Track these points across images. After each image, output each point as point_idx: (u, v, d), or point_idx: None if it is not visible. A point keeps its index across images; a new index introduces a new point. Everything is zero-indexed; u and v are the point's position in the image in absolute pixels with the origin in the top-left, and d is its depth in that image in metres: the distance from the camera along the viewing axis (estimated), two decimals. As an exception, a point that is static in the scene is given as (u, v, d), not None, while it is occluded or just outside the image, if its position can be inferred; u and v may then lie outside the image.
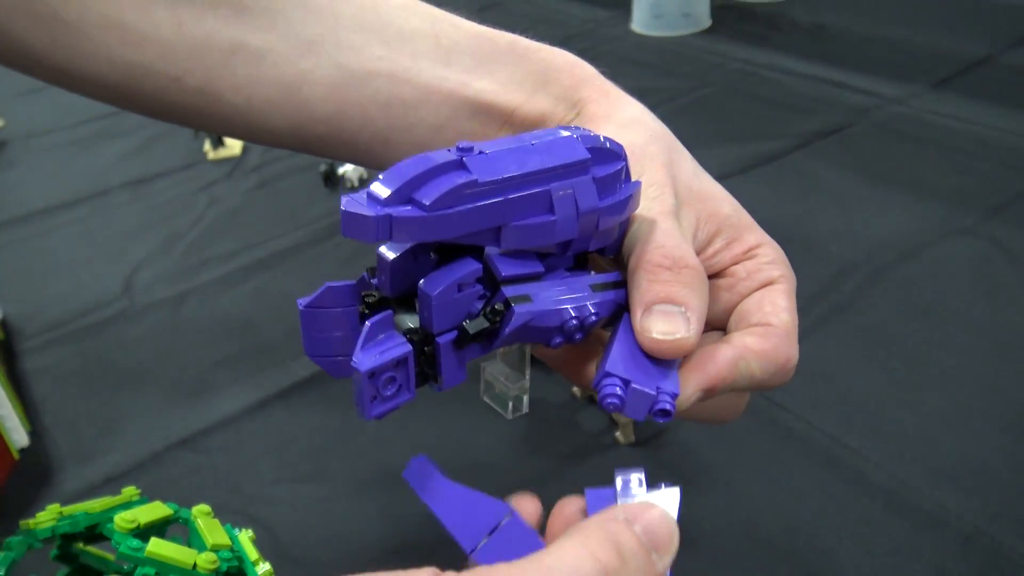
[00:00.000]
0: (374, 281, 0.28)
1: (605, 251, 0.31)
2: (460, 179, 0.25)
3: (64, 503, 0.41)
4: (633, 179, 0.31)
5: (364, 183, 1.00)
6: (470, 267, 0.27)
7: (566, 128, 0.29)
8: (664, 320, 0.27)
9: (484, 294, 0.28)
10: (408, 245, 0.27)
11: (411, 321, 0.27)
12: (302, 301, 0.27)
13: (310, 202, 0.99)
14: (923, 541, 0.51)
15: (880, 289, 0.74)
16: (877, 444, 0.58)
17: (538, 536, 0.26)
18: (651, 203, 0.31)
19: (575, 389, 0.63)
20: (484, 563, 0.23)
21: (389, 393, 0.26)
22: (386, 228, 0.25)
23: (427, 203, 0.25)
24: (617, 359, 0.28)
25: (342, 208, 0.25)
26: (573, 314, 0.28)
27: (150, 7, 0.35)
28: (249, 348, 0.74)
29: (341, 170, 1.00)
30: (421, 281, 0.26)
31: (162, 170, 1.10)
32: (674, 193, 0.32)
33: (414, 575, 0.22)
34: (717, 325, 0.33)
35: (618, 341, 0.28)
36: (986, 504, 0.52)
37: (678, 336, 0.27)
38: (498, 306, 0.27)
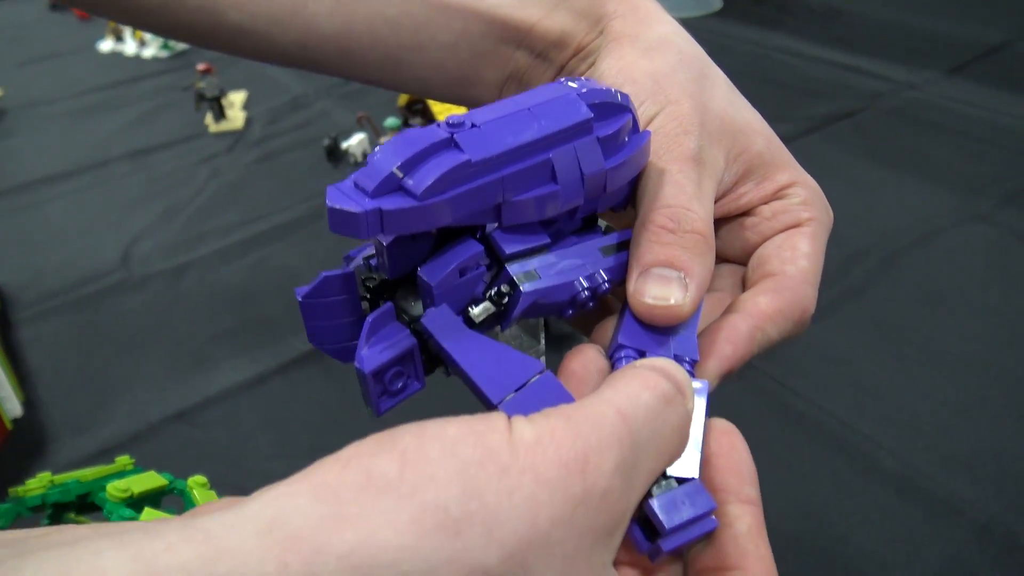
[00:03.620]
0: (373, 263, 0.26)
1: (615, 207, 0.30)
2: (452, 161, 0.23)
3: (57, 473, 0.40)
4: (655, 112, 0.29)
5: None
6: (471, 249, 0.25)
7: (572, 80, 0.27)
8: (660, 284, 0.26)
9: (488, 273, 0.26)
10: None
11: (414, 308, 0.26)
12: (300, 291, 0.25)
13: (312, 176, 0.97)
14: (937, 529, 0.49)
15: (893, 275, 0.72)
16: (890, 431, 0.56)
17: (571, 397, 0.24)
18: (669, 145, 0.29)
19: None
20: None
21: (397, 387, 0.25)
22: (376, 223, 0.23)
23: (418, 192, 0.23)
24: (631, 328, 0.26)
25: (328, 204, 0.23)
26: (585, 284, 0.27)
27: None
28: (248, 321, 0.73)
29: (345, 144, 0.99)
30: (420, 268, 0.25)
31: (163, 142, 1.09)
32: (700, 130, 0.29)
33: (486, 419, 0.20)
34: (739, 262, 0.32)
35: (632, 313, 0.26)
36: (1001, 493, 0.51)
37: (672, 302, 0.26)
38: (504, 288, 0.26)
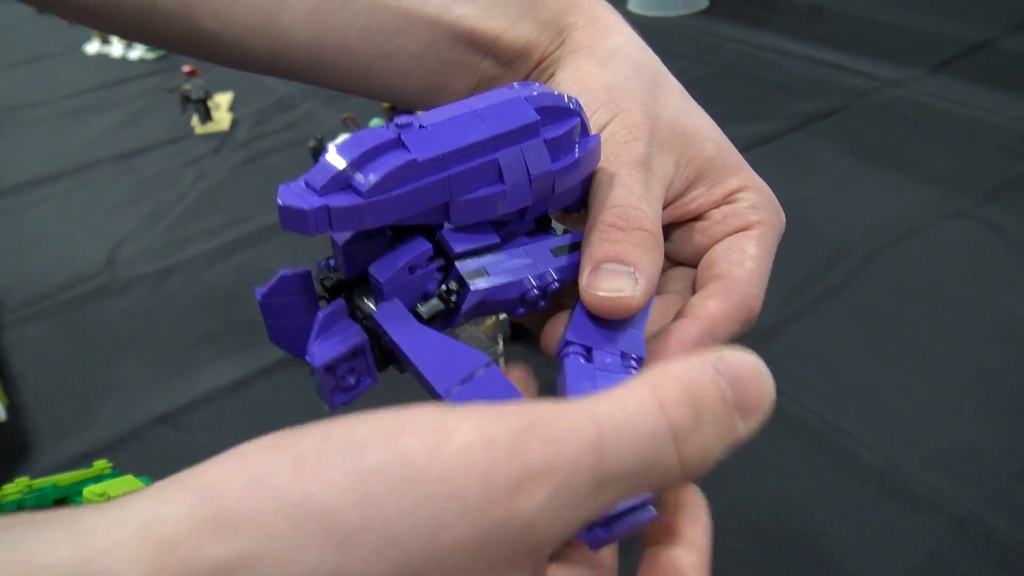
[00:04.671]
0: (331, 263, 0.27)
1: (567, 209, 0.30)
2: (397, 160, 0.24)
3: (37, 477, 0.40)
4: (607, 120, 0.30)
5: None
6: (420, 247, 0.26)
7: (523, 85, 0.28)
8: (611, 278, 0.26)
9: (439, 271, 0.27)
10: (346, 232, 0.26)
11: (367, 306, 0.26)
12: (259, 291, 0.26)
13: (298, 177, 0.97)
14: (916, 524, 0.50)
15: (875, 271, 0.73)
16: (870, 427, 0.57)
17: (518, 392, 0.24)
18: (619, 151, 0.29)
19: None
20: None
21: (350, 383, 0.25)
22: (324, 219, 0.23)
23: (363, 190, 0.24)
24: (580, 325, 0.27)
25: (278, 201, 0.23)
26: (534, 283, 0.27)
27: None
28: (233, 324, 0.73)
29: (330, 145, 0.98)
30: (371, 265, 0.25)
31: (149, 144, 1.08)
32: (649, 137, 0.30)
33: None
34: (690, 265, 0.32)
35: (580, 306, 0.27)
36: (980, 488, 0.52)
37: (623, 294, 0.26)
38: (452, 285, 0.26)
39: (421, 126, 0.25)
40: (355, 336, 0.25)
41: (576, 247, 0.28)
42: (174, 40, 0.37)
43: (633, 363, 0.26)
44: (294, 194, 0.24)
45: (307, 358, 0.24)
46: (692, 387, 0.19)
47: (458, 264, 0.26)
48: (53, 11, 0.38)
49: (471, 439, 0.18)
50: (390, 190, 0.24)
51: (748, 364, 0.19)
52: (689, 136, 0.31)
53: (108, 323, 0.75)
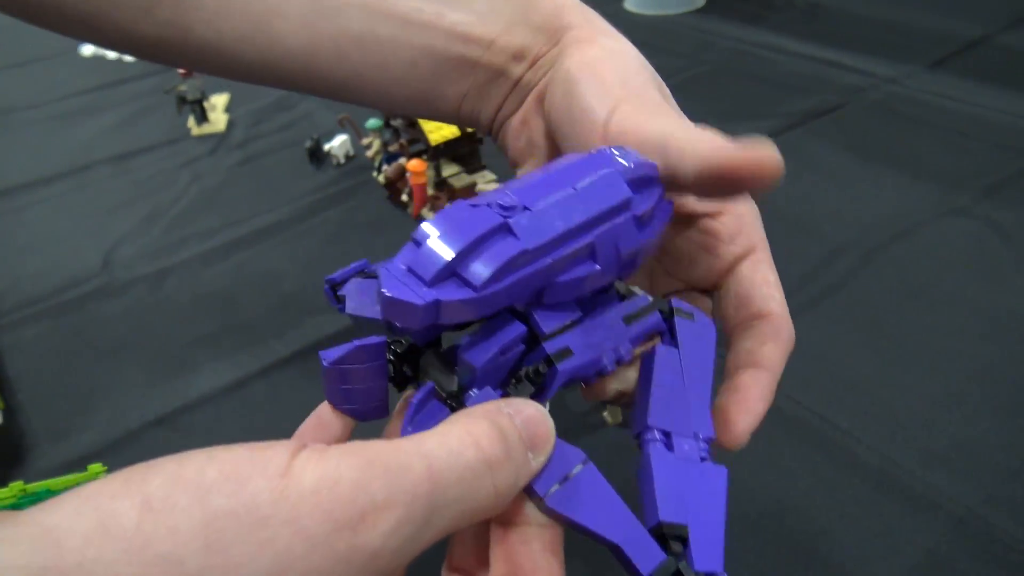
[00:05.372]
0: (397, 324, 0.26)
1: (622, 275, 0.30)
2: (510, 251, 0.23)
3: (33, 481, 0.40)
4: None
5: (351, 159, 0.98)
6: (516, 331, 0.25)
7: (616, 149, 0.28)
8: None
9: (523, 348, 0.26)
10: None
11: (449, 383, 0.26)
12: (327, 356, 0.25)
13: (295, 179, 0.97)
14: (915, 523, 0.50)
15: (873, 269, 0.73)
16: (868, 425, 0.56)
17: (613, 491, 0.25)
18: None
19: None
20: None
21: None
22: (433, 313, 0.23)
23: (477, 284, 0.23)
24: (658, 409, 0.27)
25: (384, 292, 0.23)
26: (612, 358, 0.27)
27: None
28: (230, 326, 0.73)
29: (327, 146, 0.98)
30: (462, 348, 0.25)
31: (145, 145, 1.08)
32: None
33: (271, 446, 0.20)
34: (704, 287, 0.33)
35: (655, 387, 0.27)
36: (979, 486, 0.51)
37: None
38: (541, 368, 0.26)
39: (525, 207, 0.25)
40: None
41: (644, 312, 0.29)
42: (166, 49, 0.36)
43: (703, 446, 0.27)
44: (400, 284, 0.23)
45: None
46: (499, 426, 0.22)
47: (545, 344, 0.26)
48: (42, 25, 0.38)
49: (316, 481, 0.19)
50: (501, 280, 0.23)
51: (533, 409, 0.23)
52: None
53: (104, 325, 0.75)
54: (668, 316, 0.29)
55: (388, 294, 0.23)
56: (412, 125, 0.85)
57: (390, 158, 0.89)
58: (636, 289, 0.30)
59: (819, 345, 0.64)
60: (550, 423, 0.23)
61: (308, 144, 0.99)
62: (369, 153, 0.94)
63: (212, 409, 0.63)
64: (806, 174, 0.87)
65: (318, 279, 0.30)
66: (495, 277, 0.23)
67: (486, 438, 0.21)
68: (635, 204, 0.27)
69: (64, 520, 0.17)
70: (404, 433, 0.24)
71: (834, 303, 0.69)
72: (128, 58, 1.38)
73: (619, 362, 0.28)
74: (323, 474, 0.19)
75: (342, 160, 0.98)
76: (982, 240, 0.75)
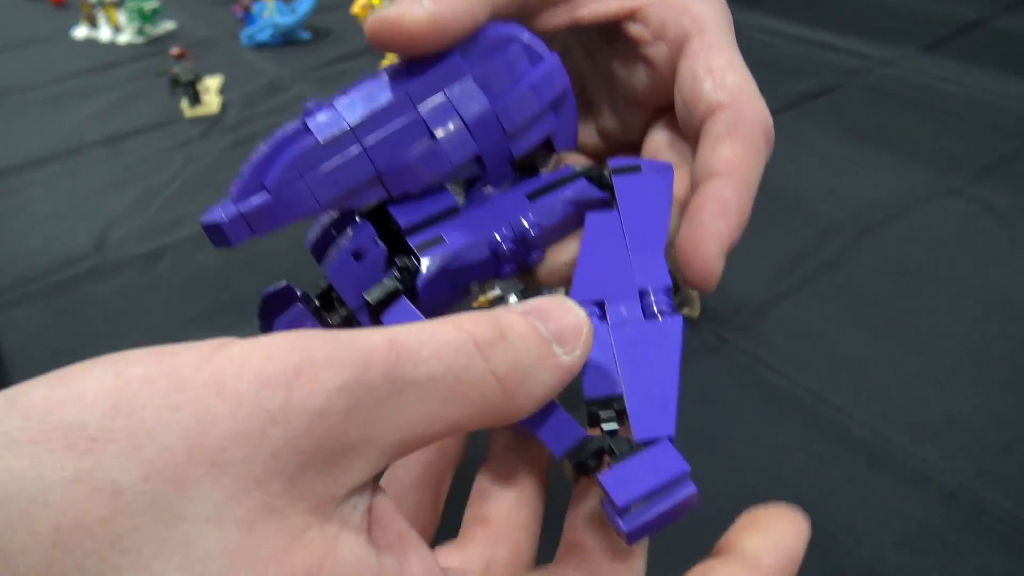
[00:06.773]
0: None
1: (555, 145, 0.27)
2: (298, 147, 0.23)
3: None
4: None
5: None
6: (362, 230, 0.24)
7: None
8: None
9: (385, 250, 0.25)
10: (319, 227, 0.25)
11: (342, 311, 0.26)
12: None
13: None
14: (906, 497, 0.50)
15: (867, 249, 0.73)
16: (861, 402, 0.57)
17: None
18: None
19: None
20: None
21: None
22: (243, 227, 0.23)
23: (270, 186, 0.23)
24: (583, 276, 0.24)
25: (201, 221, 0.23)
26: (506, 233, 0.25)
27: None
28: (223, 304, 0.73)
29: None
30: (320, 266, 0.25)
31: (137, 128, 1.07)
32: None
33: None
34: (648, 102, 0.29)
35: (581, 258, 0.25)
36: (969, 461, 0.52)
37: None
38: (406, 261, 0.24)
39: (325, 107, 0.24)
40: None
41: (559, 183, 0.26)
42: None
43: (660, 299, 0.23)
44: (215, 209, 0.23)
45: None
46: (495, 316, 0.19)
47: (409, 238, 0.25)
48: None
49: (247, 345, 0.17)
50: (299, 179, 0.23)
51: (553, 300, 0.20)
52: None
53: (98, 305, 0.74)
54: (606, 180, 0.26)
55: (202, 221, 0.23)
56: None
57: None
58: (575, 164, 0.27)
59: (812, 323, 0.64)
60: (579, 313, 0.20)
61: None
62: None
63: (206, 387, 0.63)
64: (801, 155, 0.87)
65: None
66: (287, 176, 0.23)
67: (470, 321, 0.19)
68: (471, 67, 0.24)
69: None
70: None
71: (827, 282, 0.69)
72: (120, 41, 1.37)
73: (523, 240, 0.25)
74: (259, 344, 0.17)
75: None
76: (976, 220, 0.76)
